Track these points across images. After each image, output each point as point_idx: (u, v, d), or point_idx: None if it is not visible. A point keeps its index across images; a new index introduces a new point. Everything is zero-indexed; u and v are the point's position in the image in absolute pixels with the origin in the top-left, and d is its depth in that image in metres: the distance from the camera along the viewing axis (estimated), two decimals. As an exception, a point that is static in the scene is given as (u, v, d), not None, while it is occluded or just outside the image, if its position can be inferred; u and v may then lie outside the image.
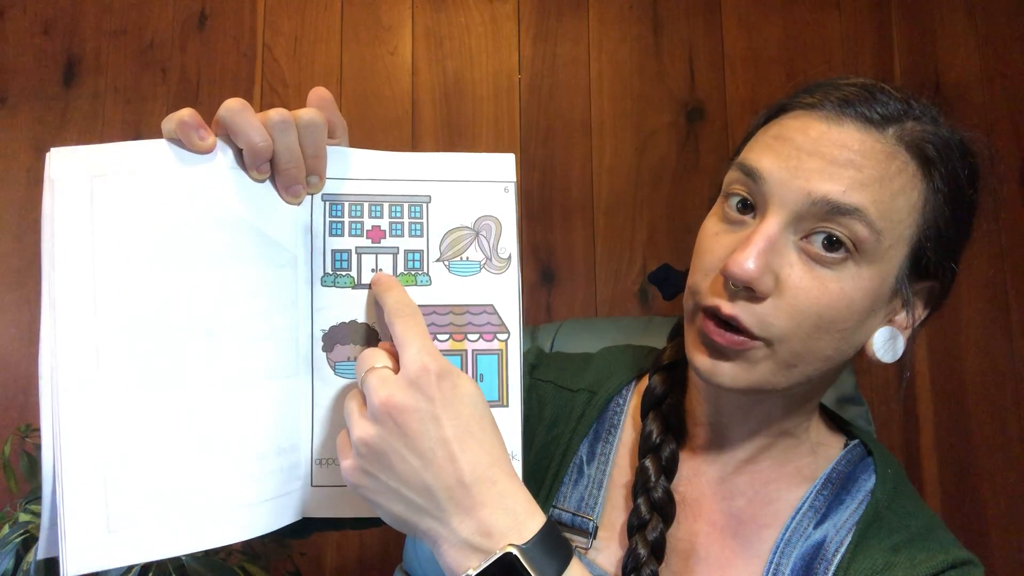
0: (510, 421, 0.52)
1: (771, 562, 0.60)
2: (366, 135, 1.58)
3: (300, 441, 0.51)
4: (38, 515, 1.07)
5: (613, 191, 1.57)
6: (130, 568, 1.01)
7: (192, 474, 0.46)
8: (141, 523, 0.44)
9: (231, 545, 1.13)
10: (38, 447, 1.23)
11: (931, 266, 0.57)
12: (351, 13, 1.61)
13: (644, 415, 0.66)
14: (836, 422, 0.69)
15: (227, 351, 0.47)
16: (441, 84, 1.59)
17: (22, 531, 1.05)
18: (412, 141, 1.57)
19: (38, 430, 1.28)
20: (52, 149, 0.44)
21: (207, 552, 1.07)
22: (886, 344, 0.58)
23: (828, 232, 0.53)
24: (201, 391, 0.46)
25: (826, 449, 0.66)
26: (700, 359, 0.57)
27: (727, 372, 0.56)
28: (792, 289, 0.53)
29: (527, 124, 1.58)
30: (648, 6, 1.61)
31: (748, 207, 0.56)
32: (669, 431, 0.64)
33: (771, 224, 0.54)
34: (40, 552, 0.43)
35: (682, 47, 1.60)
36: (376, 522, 0.66)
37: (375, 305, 0.52)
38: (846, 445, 0.66)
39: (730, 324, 0.55)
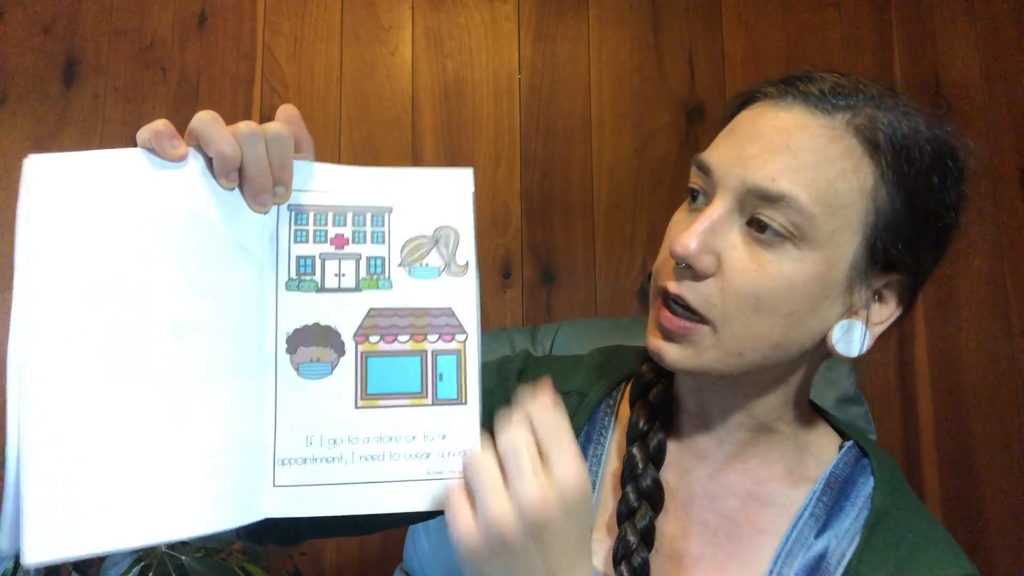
0: (468, 418, 0.54)
1: (771, 572, 0.60)
2: (366, 135, 1.58)
3: (262, 440, 0.52)
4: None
5: (613, 191, 1.57)
6: (130, 568, 1.02)
7: (153, 467, 0.47)
8: (101, 515, 0.45)
9: (231, 544, 1.13)
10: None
11: (890, 257, 0.56)
12: (351, 13, 1.61)
13: (632, 404, 0.67)
14: (830, 422, 0.69)
15: (191, 350, 0.49)
16: (441, 84, 1.59)
17: (22, 531, 1.04)
18: (412, 141, 1.58)
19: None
20: (29, 156, 0.46)
21: (208, 551, 1.07)
22: (842, 337, 0.57)
23: (761, 217, 0.55)
24: (163, 387, 0.48)
25: (819, 449, 0.65)
26: (652, 341, 0.60)
27: (674, 353, 0.58)
28: (731, 270, 0.55)
29: (527, 124, 1.58)
30: (648, 6, 1.61)
31: (700, 202, 0.59)
32: (656, 419, 0.65)
33: (716, 207, 0.56)
34: (3, 544, 0.44)
35: (682, 47, 1.61)
36: (360, 530, 0.66)
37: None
38: (841, 446, 0.66)
39: (678, 308, 0.57)
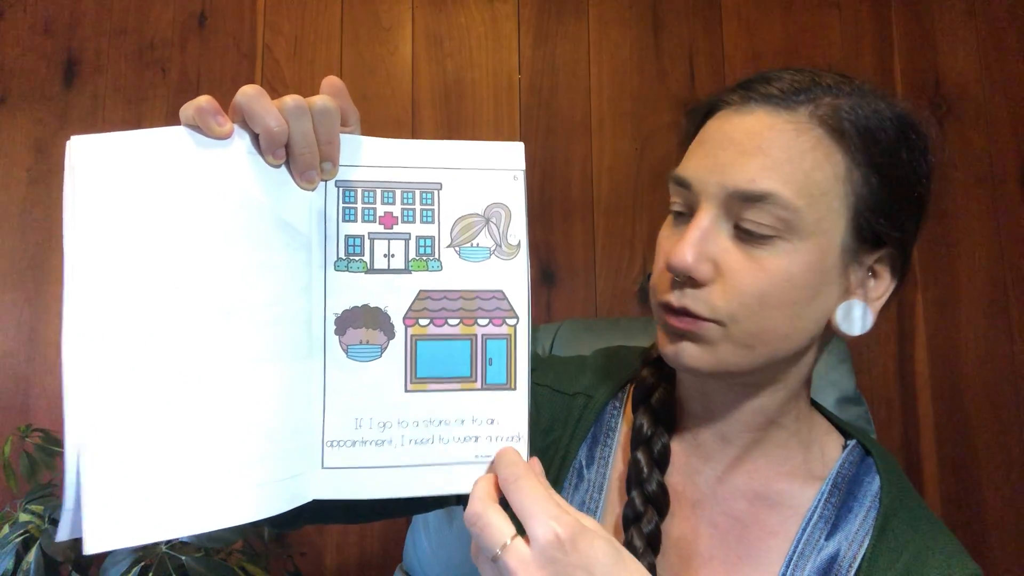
0: (517, 404, 0.54)
1: (783, 575, 0.60)
2: (366, 135, 1.58)
3: (311, 423, 0.51)
4: (38, 515, 1.07)
5: (613, 191, 1.57)
6: (130, 568, 1.02)
7: (206, 453, 0.47)
8: (158, 502, 0.45)
9: (231, 544, 1.13)
10: (38, 447, 1.23)
11: (876, 233, 0.58)
12: (351, 13, 1.61)
13: (635, 408, 0.66)
14: (831, 420, 0.69)
15: (243, 332, 0.48)
16: (441, 84, 1.59)
17: (22, 531, 1.05)
18: (412, 141, 1.58)
19: (39, 430, 1.27)
20: (72, 137, 0.45)
21: (207, 551, 1.07)
22: (845, 318, 0.59)
23: (745, 224, 0.56)
24: (216, 371, 0.47)
25: (822, 447, 0.65)
26: (665, 347, 0.60)
27: (690, 353, 0.58)
28: (730, 272, 0.56)
29: (527, 124, 1.58)
30: (648, 6, 1.61)
31: (684, 216, 0.60)
32: (660, 423, 0.65)
33: (702, 217, 0.57)
34: (62, 534, 0.44)
35: (682, 47, 1.61)
36: (367, 517, 0.66)
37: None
38: (844, 446, 0.66)
39: (684, 313, 0.58)
